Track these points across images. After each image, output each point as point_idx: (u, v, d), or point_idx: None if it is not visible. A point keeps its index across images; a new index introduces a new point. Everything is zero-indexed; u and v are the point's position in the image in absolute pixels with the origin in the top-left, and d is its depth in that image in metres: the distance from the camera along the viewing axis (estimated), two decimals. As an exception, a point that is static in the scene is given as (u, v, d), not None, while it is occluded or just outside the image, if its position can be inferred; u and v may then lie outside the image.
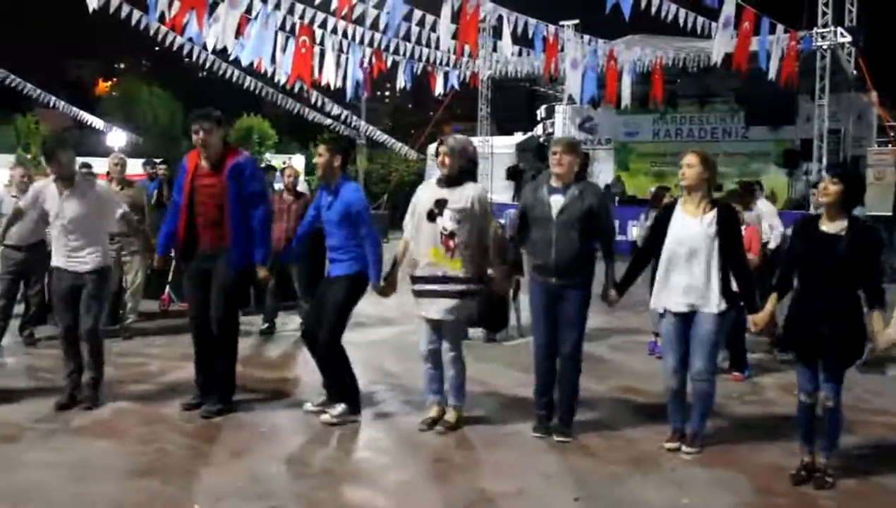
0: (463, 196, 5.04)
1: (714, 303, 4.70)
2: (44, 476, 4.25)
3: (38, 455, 4.58)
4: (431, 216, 5.07)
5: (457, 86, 20.58)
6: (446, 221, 5.02)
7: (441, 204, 5.05)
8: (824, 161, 16.81)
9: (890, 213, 15.69)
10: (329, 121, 26.03)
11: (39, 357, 6.86)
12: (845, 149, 18.68)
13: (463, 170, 5.13)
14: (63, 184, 5.50)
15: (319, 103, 23.02)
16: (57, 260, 5.59)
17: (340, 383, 5.39)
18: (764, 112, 19.03)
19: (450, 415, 5.24)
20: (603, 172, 23.06)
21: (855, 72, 18.26)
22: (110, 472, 4.32)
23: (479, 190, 5.18)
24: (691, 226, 4.75)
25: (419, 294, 5.15)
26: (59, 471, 4.31)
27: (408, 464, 4.64)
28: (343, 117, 25.70)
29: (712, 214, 4.73)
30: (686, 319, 4.79)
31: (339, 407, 5.30)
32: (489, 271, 5.18)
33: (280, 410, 5.57)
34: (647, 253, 5.06)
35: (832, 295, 4.28)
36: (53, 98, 24.83)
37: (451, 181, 5.10)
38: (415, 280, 5.17)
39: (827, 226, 4.37)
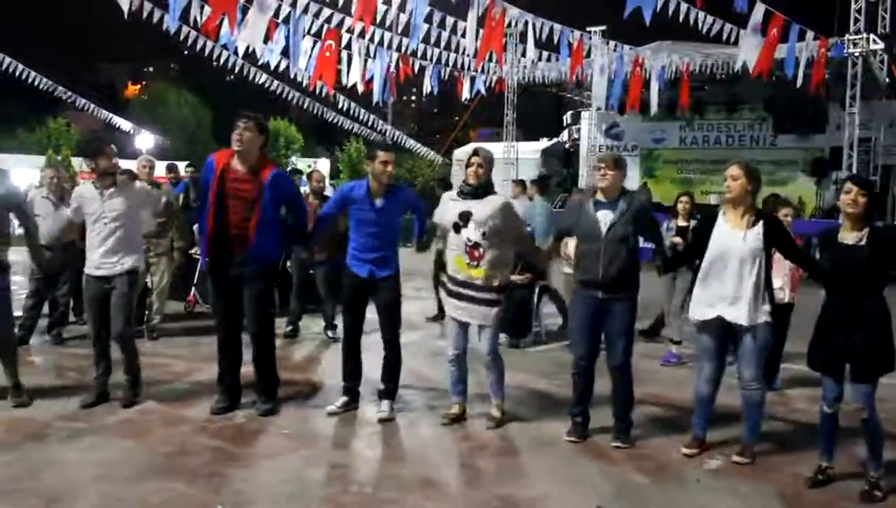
0: (488, 208, 5.15)
1: (758, 314, 4.67)
2: (71, 475, 4.29)
3: (65, 454, 4.62)
4: (456, 228, 5.21)
5: (483, 92, 20.58)
6: (471, 232, 5.15)
7: (465, 216, 5.16)
8: (854, 170, 16.62)
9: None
10: (355, 125, 26.13)
11: (67, 356, 6.92)
12: (876, 157, 18.46)
13: (489, 180, 5.28)
14: (104, 183, 5.52)
15: (346, 107, 23.11)
16: (89, 267, 5.58)
17: (398, 378, 5.66)
18: (793, 120, 18.87)
19: (495, 412, 5.43)
20: (628, 179, 22.92)
21: (887, 79, 18.03)
22: (136, 472, 4.35)
23: (505, 200, 5.30)
24: (734, 238, 4.70)
25: (449, 293, 5.35)
26: (85, 471, 4.35)
27: (432, 469, 4.62)
28: (369, 121, 25.77)
29: (758, 228, 4.67)
30: (726, 330, 4.77)
31: (387, 404, 5.56)
32: (513, 277, 5.27)
33: (304, 412, 5.59)
34: (692, 250, 5.10)
35: (859, 303, 4.26)
36: (84, 100, 25.10)
37: (476, 193, 5.21)
38: (448, 279, 5.37)
39: (847, 237, 4.35)
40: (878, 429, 4.37)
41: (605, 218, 5.01)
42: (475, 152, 5.32)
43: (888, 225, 4.22)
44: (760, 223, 4.70)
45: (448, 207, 5.33)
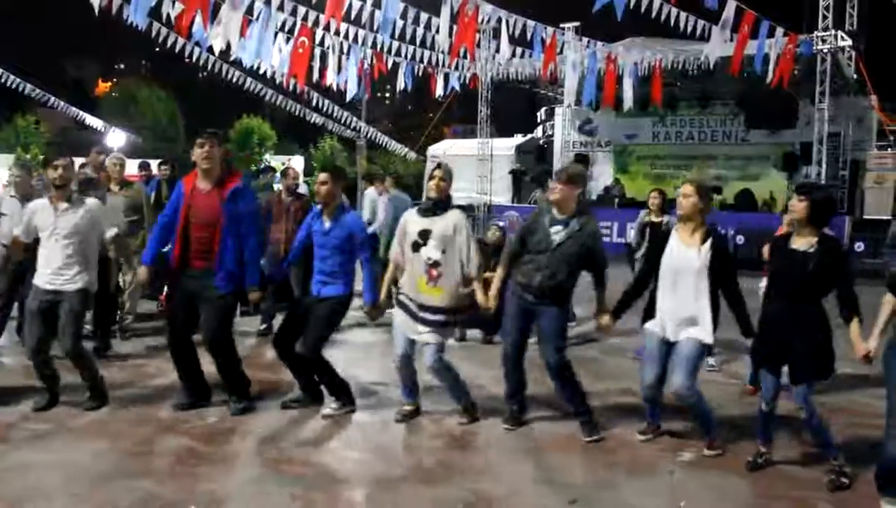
0: (446, 224, 5.16)
1: (702, 332, 4.74)
2: (39, 477, 4.23)
3: (33, 456, 4.56)
4: (416, 246, 5.19)
5: (457, 88, 20.56)
6: (430, 250, 5.13)
7: (425, 234, 5.16)
8: (824, 164, 16.82)
9: (890, 217, 15.71)
10: (330, 123, 26.02)
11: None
12: (845, 152, 18.71)
13: (449, 196, 5.29)
14: (59, 197, 5.40)
15: (320, 104, 23.00)
16: (38, 279, 5.40)
17: (330, 383, 5.61)
18: (764, 115, 19.06)
19: (463, 416, 5.44)
20: (602, 175, 23.09)
21: (855, 75, 18.27)
22: (106, 473, 4.31)
23: (460, 216, 5.26)
24: (685, 255, 4.79)
25: (404, 307, 5.29)
26: (54, 473, 4.29)
27: (403, 466, 4.63)
28: (343, 118, 25.67)
29: (707, 245, 4.74)
30: (671, 343, 4.86)
31: (334, 404, 5.55)
32: (471, 293, 5.26)
33: (276, 411, 5.56)
34: (644, 280, 5.10)
35: (801, 309, 4.40)
36: (53, 98, 24.77)
37: (436, 208, 5.21)
38: (404, 295, 5.31)
39: (797, 243, 4.48)
40: (819, 425, 4.51)
41: (556, 233, 5.03)
42: (438, 165, 5.37)
43: (835, 236, 4.26)
44: (709, 241, 4.76)
45: (409, 226, 5.30)
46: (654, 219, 7.77)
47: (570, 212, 5.05)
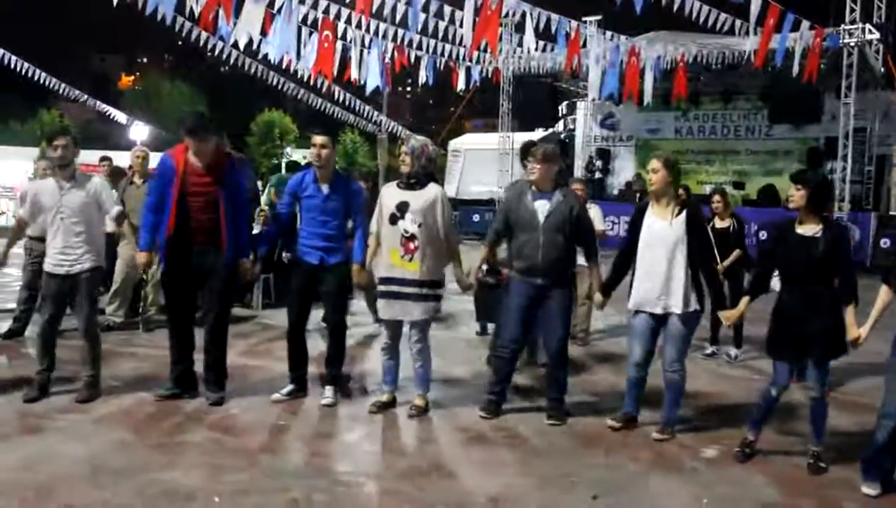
0: (424, 198, 5.21)
1: (685, 303, 4.91)
2: (66, 467, 4.28)
3: (60, 446, 4.61)
4: (393, 219, 5.24)
5: (478, 82, 20.50)
6: (407, 224, 5.19)
7: (403, 207, 5.21)
8: (850, 160, 16.63)
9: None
10: (351, 116, 26.06)
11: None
12: (871, 147, 18.49)
13: (425, 171, 5.29)
14: (63, 176, 5.40)
15: (341, 98, 23.04)
16: (47, 265, 5.44)
17: (341, 365, 5.71)
18: (788, 110, 18.86)
19: (419, 402, 5.50)
20: (624, 169, 22.96)
21: (882, 69, 18.03)
22: (132, 464, 4.34)
23: (440, 191, 5.32)
24: (661, 229, 4.95)
25: (383, 295, 5.34)
26: (81, 463, 4.33)
27: (427, 460, 4.63)
28: (364, 112, 25.70)
29: (681, 217, 4.92)
30: (657, 318, 5.00)
31: (330, 389, 5.62)
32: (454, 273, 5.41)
33: (301, 404, 5.59)
34: (626, 255, 5.20)
35: (814, 293, 4.50)
36: (77, 92, 24.98)
37: (413, 183, 5.25)
38: (380, 281, 5.37)
39: (803, 229, 4.58)
40: (825, 408, 4.65)
41: (542, 208, 5.21)
42: (403, 142, 5.44)
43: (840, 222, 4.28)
44: (684, 213, 4.94)
45: (388, 196, 5.35)
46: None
47: (549, 187, 5.27)
